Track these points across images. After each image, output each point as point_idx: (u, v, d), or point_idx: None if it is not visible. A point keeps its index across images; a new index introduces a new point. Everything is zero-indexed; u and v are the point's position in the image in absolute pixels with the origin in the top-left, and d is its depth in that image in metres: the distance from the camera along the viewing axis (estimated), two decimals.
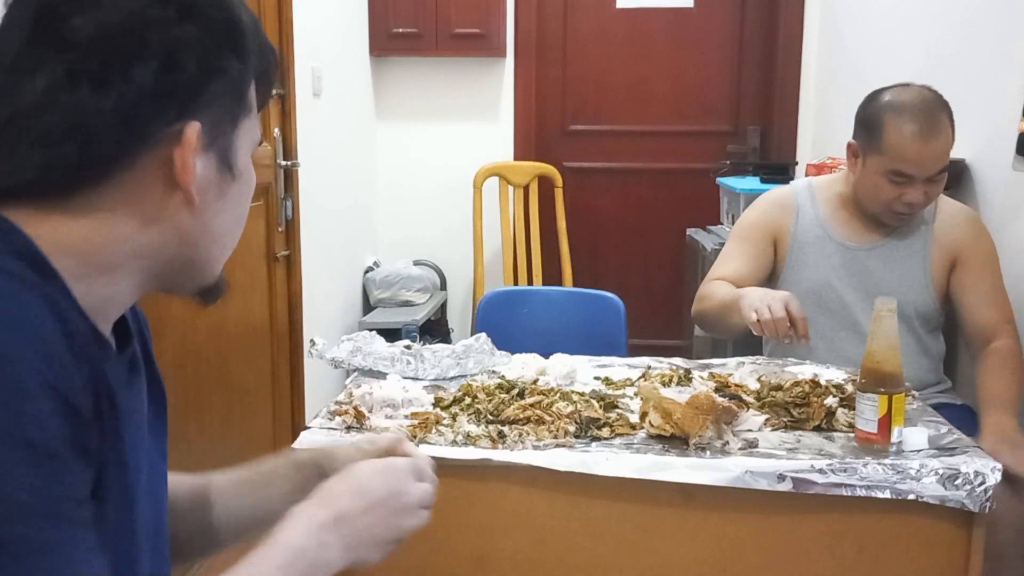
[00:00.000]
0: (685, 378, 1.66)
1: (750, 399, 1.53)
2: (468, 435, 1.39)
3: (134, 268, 0.79)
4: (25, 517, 0.63)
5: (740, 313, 1.76)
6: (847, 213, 2.03)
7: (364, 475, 0.92)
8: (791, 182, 2.34)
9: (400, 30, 3.84)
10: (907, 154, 1.83)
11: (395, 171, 4.11)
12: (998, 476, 1.27)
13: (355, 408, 1.47)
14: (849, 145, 1.97)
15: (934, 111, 1.84)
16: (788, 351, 1.92)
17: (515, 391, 1.57)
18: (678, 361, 1.83)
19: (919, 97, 1.86)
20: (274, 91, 0.92)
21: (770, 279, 2.10)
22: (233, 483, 1.05)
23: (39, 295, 0.70)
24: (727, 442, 1.36)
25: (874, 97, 1.92)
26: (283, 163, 2.71)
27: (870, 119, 1.90)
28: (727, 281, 2.01)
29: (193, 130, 0.76)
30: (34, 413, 0.65)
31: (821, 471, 1.29)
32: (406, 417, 1.46)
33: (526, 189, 3.93)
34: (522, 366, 1.70)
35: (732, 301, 1.84)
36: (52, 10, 0.74)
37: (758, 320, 1.68)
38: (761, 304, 1.69)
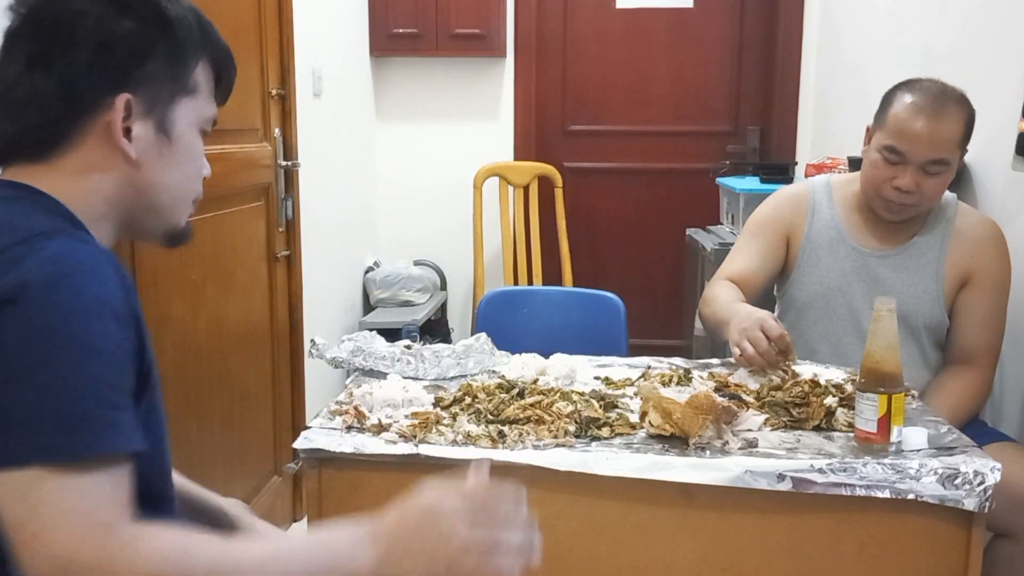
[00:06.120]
0: (685, 378, 1.66)
1: (750, 399, 1.53)
2: (468, 435, 1.39)
3: (111, 217, 1.01)
4: (92, 400, 0.81)
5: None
6: (862, 216, 1.99)
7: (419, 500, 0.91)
8: (809, 178, 2.30)
9: (400, 30, 3.84)
10: (902, 126, 1.81)
11: (395, 171, 4.11)
12: (998, 476, 1.27)
13: (355, 408, 1.47)
14: (867, 128, 1.94)
15: (945, 100, 1.81)
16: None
17: (515, 391, 1.57)
18: (678, 361, 1.84)
19: (939, 84, 1.84)
20: (229, 86, 1.11)
21: (781, 277, 2.09)
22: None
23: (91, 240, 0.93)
24: (727, 442, 1.37)
25: (903, 81, 1.90)
26: (283, 163, 2.71)
27: (886, 95, 1.89)
28: (734, 280, 1.99)
29: (121, 100, 0.97)
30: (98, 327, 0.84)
31: (821, 471, 1.29)
32: (406, 417, 1.46)
33: (526, 189, 3.93)
34: (522, 366, 1.70)
35: (724, 320, 1.81)
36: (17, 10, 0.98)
37: (742, 355, 1.66)
38: (741, 338, 1.67)
